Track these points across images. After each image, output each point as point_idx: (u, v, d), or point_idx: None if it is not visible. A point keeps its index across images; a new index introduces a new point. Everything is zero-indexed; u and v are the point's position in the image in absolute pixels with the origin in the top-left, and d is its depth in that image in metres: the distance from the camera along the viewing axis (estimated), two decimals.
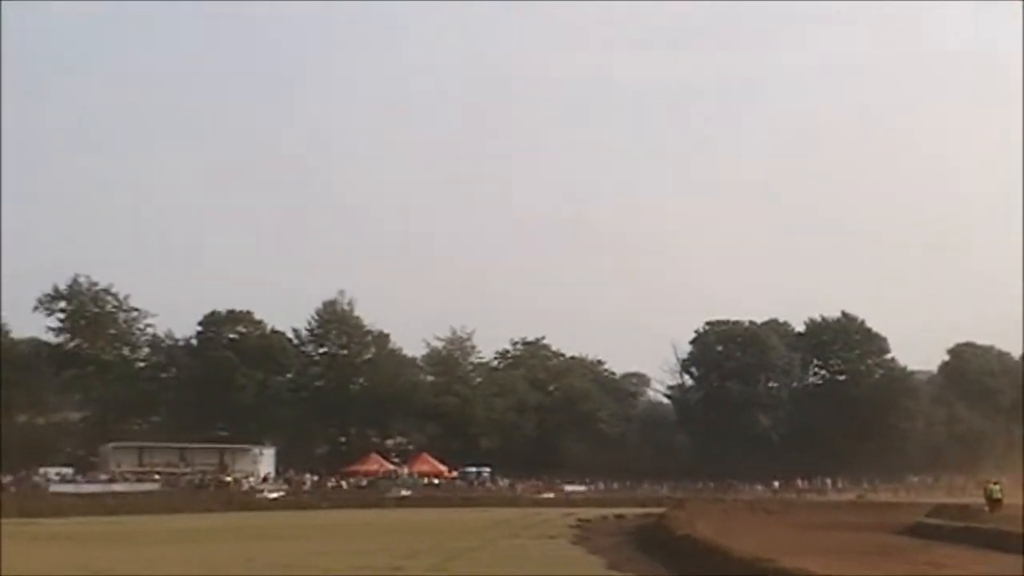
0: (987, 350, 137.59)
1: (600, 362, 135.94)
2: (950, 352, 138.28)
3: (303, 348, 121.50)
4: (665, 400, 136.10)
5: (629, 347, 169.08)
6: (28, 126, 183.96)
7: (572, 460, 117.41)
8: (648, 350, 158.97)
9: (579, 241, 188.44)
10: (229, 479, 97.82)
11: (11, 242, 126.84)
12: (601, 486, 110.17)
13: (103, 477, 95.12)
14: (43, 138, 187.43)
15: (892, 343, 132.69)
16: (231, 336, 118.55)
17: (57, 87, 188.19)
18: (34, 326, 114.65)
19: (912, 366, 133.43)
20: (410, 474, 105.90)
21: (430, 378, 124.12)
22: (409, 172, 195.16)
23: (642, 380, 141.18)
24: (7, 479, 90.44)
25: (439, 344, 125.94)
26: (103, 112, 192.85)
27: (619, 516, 66.84)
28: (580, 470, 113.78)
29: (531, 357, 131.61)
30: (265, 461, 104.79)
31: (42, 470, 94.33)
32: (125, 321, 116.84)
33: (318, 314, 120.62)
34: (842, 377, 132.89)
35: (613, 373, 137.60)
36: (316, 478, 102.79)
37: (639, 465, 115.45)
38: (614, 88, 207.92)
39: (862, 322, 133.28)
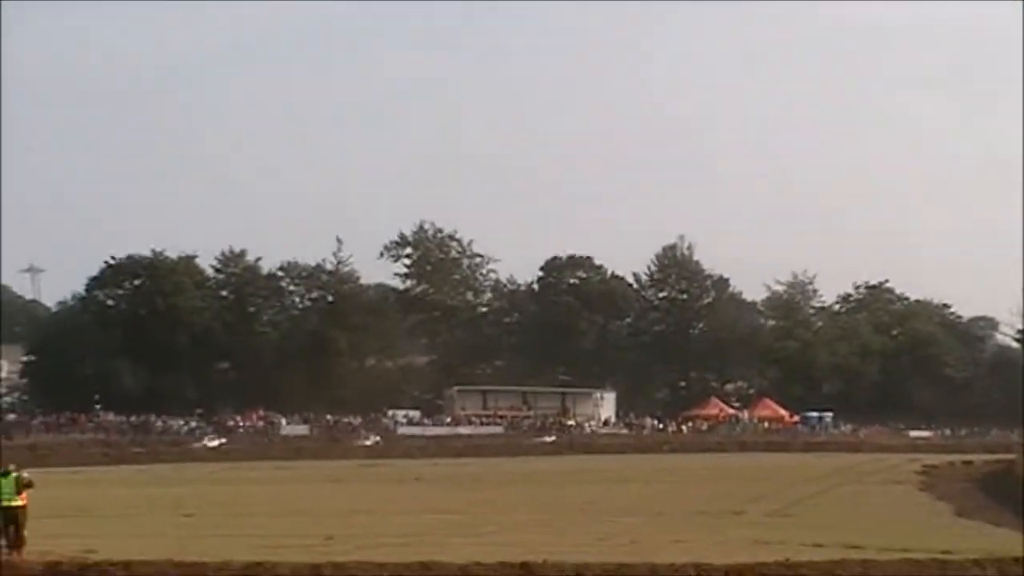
0: None
1: (946, 306, 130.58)
2: None
3: (643, 293, 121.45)
4: (1015, 344, 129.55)
5: (976, 291, 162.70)
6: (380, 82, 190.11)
7: (917, 405, 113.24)
8: (996, 294, 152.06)
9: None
10: (571, 423, 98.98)
11: (361, 191, 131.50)
12: (947, 432, 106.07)
13: (448, 420, 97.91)
14: (384, 92, 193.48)
15: None
16: (572, 281, 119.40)
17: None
18: (382, 272, 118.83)
19: None
20: (750, 419, 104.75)
21: (771, 322, 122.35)
22: (766, 113, 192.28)
23: (990, 324, 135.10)
24: (357, 420, 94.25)
25: (780, 288, 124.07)
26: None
27: (966, 463, 63.98)
28: (925, 415, 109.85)
29: (874, 301, 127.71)
30: (606, 405, 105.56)
31: (391, 412, 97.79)
32: (469, 267, 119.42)
33: (657, 259, 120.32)
34: None
35: (959, 317, 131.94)
36: (656, 422, 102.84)
37: (987, 410, 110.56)
38: None
39: None
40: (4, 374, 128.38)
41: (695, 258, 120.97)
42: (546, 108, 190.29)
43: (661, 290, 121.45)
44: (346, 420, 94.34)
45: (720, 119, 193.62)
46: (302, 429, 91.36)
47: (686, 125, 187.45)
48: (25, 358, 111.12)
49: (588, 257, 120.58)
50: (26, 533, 25.19)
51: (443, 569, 22.38)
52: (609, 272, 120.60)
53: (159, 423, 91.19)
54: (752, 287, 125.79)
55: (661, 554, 24.39)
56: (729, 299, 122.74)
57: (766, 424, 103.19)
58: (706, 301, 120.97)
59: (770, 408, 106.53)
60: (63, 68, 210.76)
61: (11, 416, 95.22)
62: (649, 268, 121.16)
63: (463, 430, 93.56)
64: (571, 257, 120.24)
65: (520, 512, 37.57)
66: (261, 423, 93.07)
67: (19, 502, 25.38)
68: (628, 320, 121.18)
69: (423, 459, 72.27)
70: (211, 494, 46.92)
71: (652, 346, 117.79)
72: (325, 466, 66.02)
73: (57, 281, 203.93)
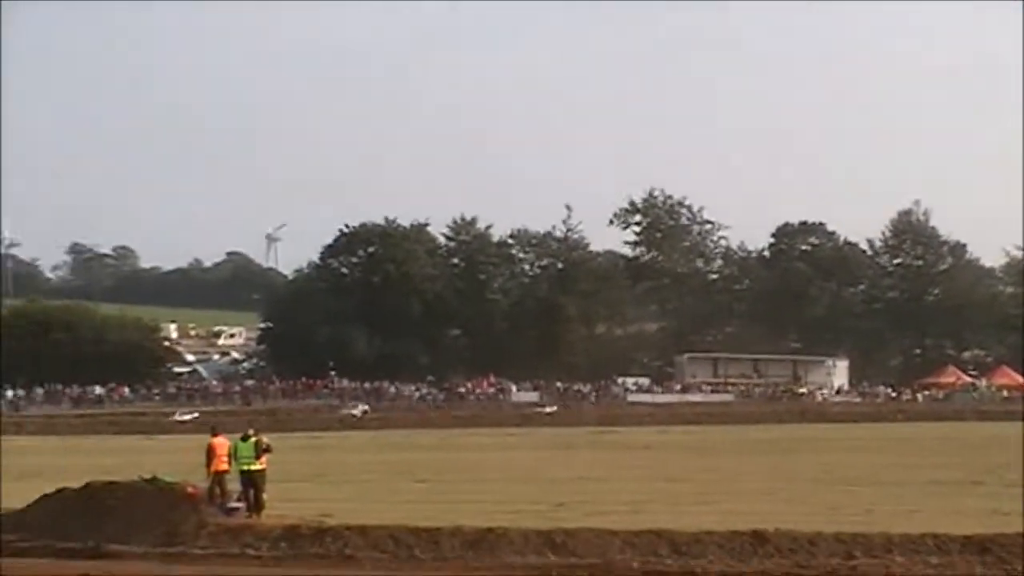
0: None
1: None
2: None
3: (877, 259, 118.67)
4: None
5: None
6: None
7: None
8: None
9: None
10: (802, 391, 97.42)
11: (590, 159, 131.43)
12: None
13: (678, 387, 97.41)
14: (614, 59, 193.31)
15: None
16: (804, 248, 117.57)
17: None
18: (611, 239, 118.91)
19: None
20: (988, 386, 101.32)
21: (1009, 289, 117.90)
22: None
23: None
24: (587, 388, 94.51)
25: (1019, 254, 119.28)
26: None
27: None
28: None
29: None
30: (838, 373, 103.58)
31: (620, 380, 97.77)
32: (699, 233, 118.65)
33: (892, 225, 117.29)
34: None
35: None
36: (890, 390, 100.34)
37: None
38: None
39: None
40: (242, 340, 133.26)
41: (931, 223, 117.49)
42: (778, 76, 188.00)
43: (896, 256, 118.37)
44: (576, 387, 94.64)
45: (955, 82, 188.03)
46: (532, 396, 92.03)
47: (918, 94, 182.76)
48: (262, 325, 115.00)
49: (821, 223, 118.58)
50: (265, 497, 25.89)
51: (674, 537, 22.24)
52: (842, 238, 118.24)
53: (392, 389, 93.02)
54: (991, 253, 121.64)
55: (896, 524, 23.79)
56: (966, 265, 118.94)
57: (1004, 392, 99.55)
58: (942, 267, 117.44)
59: (1008, 376, 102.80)
60: (330, 51, 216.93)
61: (249, 382, 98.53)
62: (884, 234, 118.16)
63: (693, 397, 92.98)
64: (803, 223, 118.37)
65: (750, 480, 37.09)
66: (492, 389, 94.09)
67: (259, 466, 26.09)
68: (861, 287, 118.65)
69: (652, 426, 72.02)
70: (443, 460, 47.61)
71: (886, 313, 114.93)
72: (555, 433, 66.35)
73: (293, 249, 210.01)
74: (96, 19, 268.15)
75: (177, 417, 75.91)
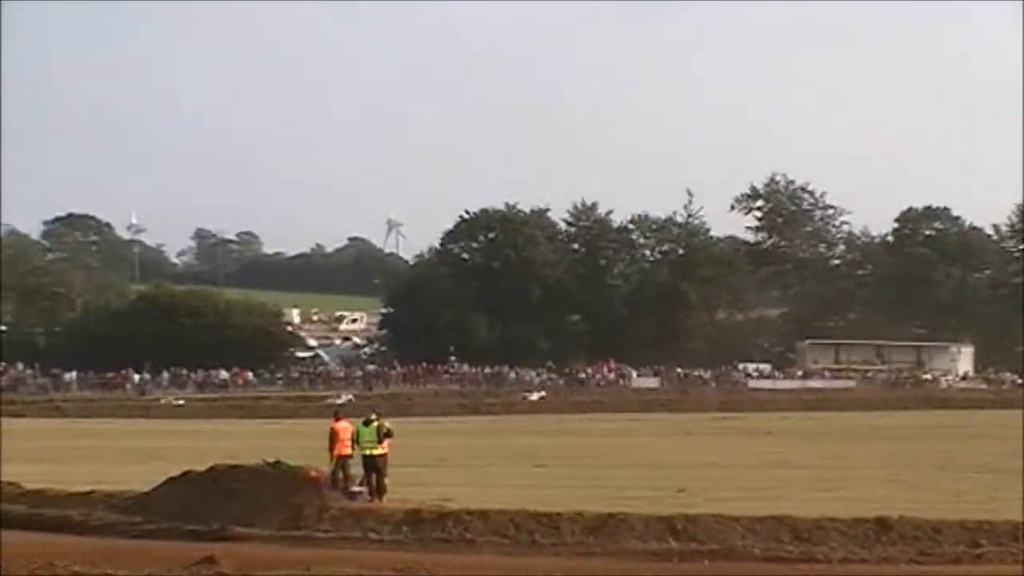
0: None
1: None
2: None
3: (1002, 244, 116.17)
4: None
5: None
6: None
7: None
8: None
9: None
10: (926, 377, 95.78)
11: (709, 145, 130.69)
12: None
13: (799, 373, 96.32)
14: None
15: None
16: (928, 233, 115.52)
17: None
18: (732, 225, 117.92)
19: None
20: None
21: None
22: None
23: None
24: (707, 374, 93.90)
25: None
26: None
27: None
28: None
29: None
30: (963, 359, 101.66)
31: (741, 366, 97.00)
32: (821, 219, 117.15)
33: (1019, 209, 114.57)
34: None
35: None
36: (1016, 377, 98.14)
37: None
38: None
39: None
40: (364, 325, 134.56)
41: None
42: (893, 58, 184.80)
43: (1022, 241, 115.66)
44: (696, 373, 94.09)
45: None
46: (652, 381, 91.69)
47: None
48: (384, 310, 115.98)
49: (945, 208, 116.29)
50: (387, 481, 26.11)
51: (796, 523, 22.05)
52: (967, 223, 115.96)
53: (512, 374, 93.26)
54: None
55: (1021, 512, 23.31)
56: None
57: None
58: None
59: None
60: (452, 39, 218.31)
61: (371, 367, 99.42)
62: (1010, 219, 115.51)
63: (814, 383, 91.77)
64: (927, 208, 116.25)
65: (873, 467, 36.64)
66: (612, 375, 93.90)
67: (381, 450, 26.29)
68: (987, 272, 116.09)
69: (773, 412, 71.36)
70: (563, 445, 47.67)
71: (1012, 298, 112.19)
72: (675, 419, 66.09)
73: (415, 235, 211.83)
74: (225, 18, 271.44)
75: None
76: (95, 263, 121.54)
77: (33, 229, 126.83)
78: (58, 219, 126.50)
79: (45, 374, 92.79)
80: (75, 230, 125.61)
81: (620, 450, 43.84)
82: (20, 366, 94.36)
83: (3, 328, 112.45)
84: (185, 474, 25.69)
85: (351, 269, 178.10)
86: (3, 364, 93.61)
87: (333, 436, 26.50)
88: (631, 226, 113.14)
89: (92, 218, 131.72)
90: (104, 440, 49.61)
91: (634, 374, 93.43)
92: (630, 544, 21.91)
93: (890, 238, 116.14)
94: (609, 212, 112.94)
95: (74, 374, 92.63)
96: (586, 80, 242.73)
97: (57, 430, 57.62)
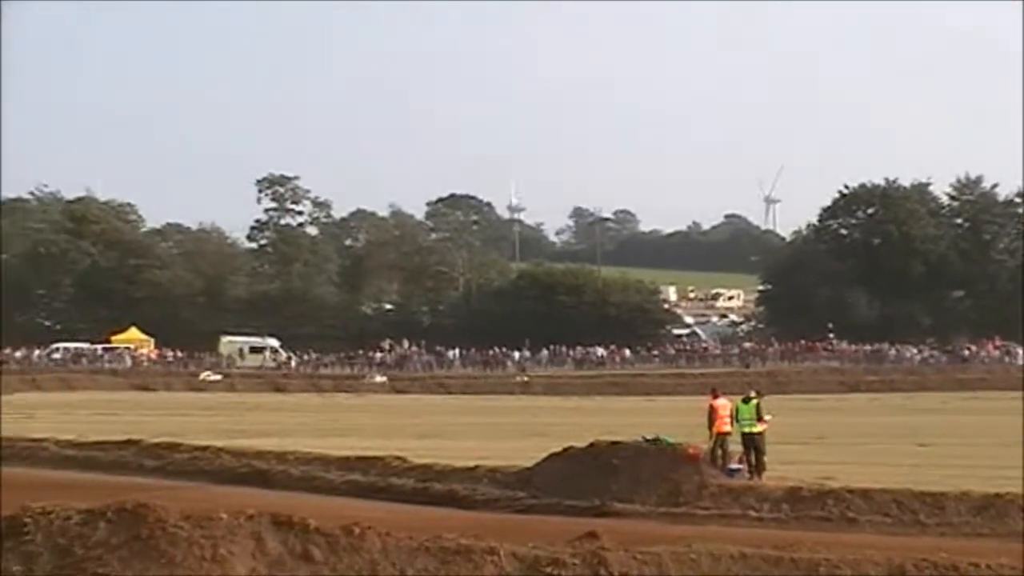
0: None
1: None
2: None
3: None
4: None
5: None
6: None
7: None
8: None
9: None
10: None
11: None
12: None
13: None
14: None
15: None
16: None
17: None
18: None
19: None
20: None
21: None
22: None
23: None
24: None
25: None
26: None
27: None
28: None
29: None
30: None
31: None
32: None
33: None
34: None
35: None
36: None
37: None
38: None
39: None
40: (740, 303, 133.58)
41: None
42: None
43: None
44: None
45: None
46: None
47: None
48: (761, 287, 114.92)
49: None
50: (766, 459, 25.84)
51: None
52: None
53: (892, 351, 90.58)
54: None
55: None
56: None
57: None
58: None
59: None
60: None
61: (748, 344, 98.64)
62: None
63: None
64: None
65: None
66: (997, 352, 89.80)
67: (759, 428, 26.06)
68: None
69: None
70: (946, 423, 45.90)
71: None
72: None
73: (791, 211, 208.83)
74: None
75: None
76: (477, 242, 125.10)
77: (417, 210, 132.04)
78: (441, 200, 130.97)
79: (430, 351, 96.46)
80: (457, 210, 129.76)
81: (1005, 429, 41.67)
82: (406, 343, 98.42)
83: (390, 307, 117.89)
84: (566, 450, 26.05)
85: (727, 246, 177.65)
86: (390, 341, 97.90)
87: (712, 413, 26.48)
88: (1018, 200, 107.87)
89: (473, 198, 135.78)
90: (486, 416, 51.04)
91: (1020, 352, 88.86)
92: (1019, 525, 20.87)
93: None
94: (994, 186, 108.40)
95: (457, 351, 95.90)
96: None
97: (441, 406, 59.72)
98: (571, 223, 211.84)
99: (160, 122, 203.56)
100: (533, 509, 23.49)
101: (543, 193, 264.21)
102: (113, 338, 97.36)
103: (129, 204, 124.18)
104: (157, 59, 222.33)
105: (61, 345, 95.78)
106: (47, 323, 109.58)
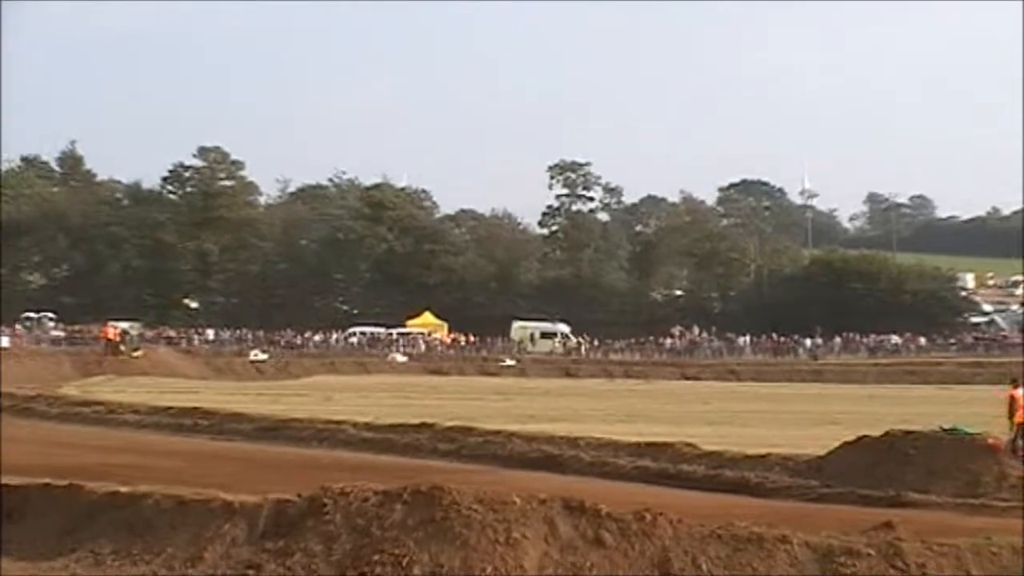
0: None
1: None
2: None
3: None
4: None
5: None
6: None
7: None
8: None
9: None
10: None
11: None
12: None
13: None
14: None
15: None
16: None
17: None
18: None
19: None
20: None
21: None
22: None
23: None
24: None
25: None
26: None
27: None
28: None
29: None
30: None
31: None
32: None
33: None
34: None
35: None
36: None
37: None
38: None
39: None
40: None
41: None
42: None
43: None
44: None
45: None
46: None
47: None
48: None
49: None
50: None
51: None
52: None
53: None
54: None
55: None
56: None
57: None
58: None
59: None
60: None
61: None
62: None
63: None
64: None
65: None
66: None
67: None
68: None
69: None
70: None
71: None
72: None
73: None
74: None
75: None
76: (768, 229, 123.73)
77: (708, 195, 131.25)
78: (732, 185, 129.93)
79: (720, 338, 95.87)
80: (749, 196, 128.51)
81: None
82: (696, 330, 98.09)
83: (680, 293, 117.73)
84: (860, 439, 25.48)
85: None
86: (680, 328, 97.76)
87: (1012, 403, 25.52)
88: None
89: (766, 184, 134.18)
90: (777, 404, 50.31)
91: None
92: None
93: None
94: None
95: (747, 338, 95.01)
96: None
97: (731, 393, 59.17)
98: (865, 209, 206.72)
99: (453, 108, 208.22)
100: (825, 498, 23.04)
101: (837, 178, 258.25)
102: (408, 322, 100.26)
103: (424, 190, 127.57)
104: (452, 47, 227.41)
105: (358, 329, 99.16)
106: (344, 307, 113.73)
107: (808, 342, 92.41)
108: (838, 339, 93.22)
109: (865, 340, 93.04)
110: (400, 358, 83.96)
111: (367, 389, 57.07)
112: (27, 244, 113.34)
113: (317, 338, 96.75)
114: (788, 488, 24.06)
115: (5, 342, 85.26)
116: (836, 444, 25.79)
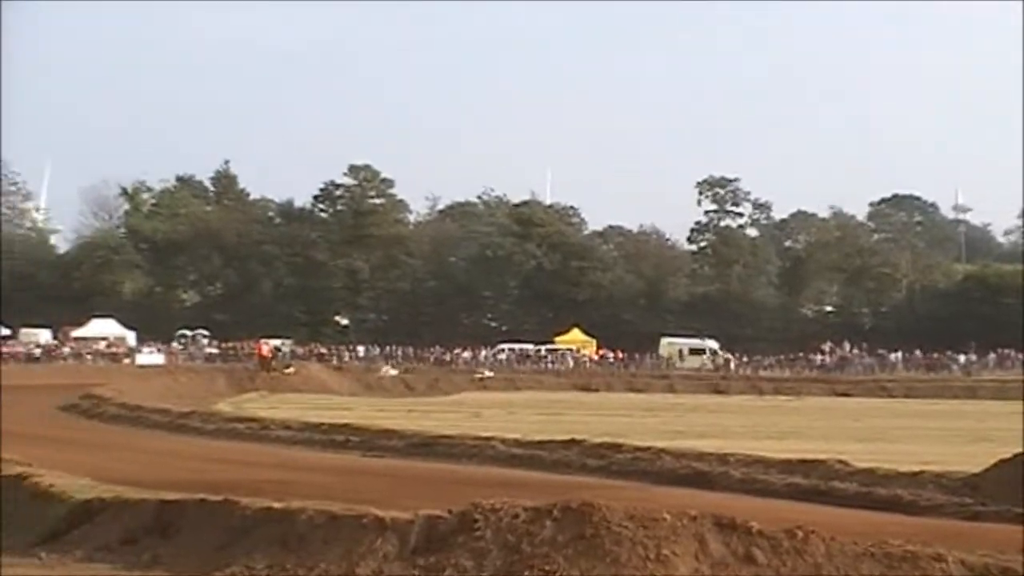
0: None
1: None
2: None
3: None
4: None
5: None
6: None
7: None
8: None
9: None
10: None
11: None
12: None
13: None
14: None
15: None
16: None
17: None
18: None
19: None
20: None
21: None
22: None
23: None
24: None
25: None
26: None
27: None
28: None
29: None
30: None
31: None
32: None
33: None
34: None
35: None
36: None
37: None
38: None
39: None
40: None
41: None
42: None
43: None
44: None
45: None
46: None
47: None
48: None
49: None
50: None
51: None
52: None
53: None
54: None
55: None
56: None
57: None
58: None
59: None
60: None
61: None
62: None
63: None
64: None
65: None
66: None
67: None
68: None
69: None
70: None
71: None
72: None
73: None
74: None
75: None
76: (920, 244, 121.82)
77: (859, 211, 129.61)
78: (884, 200, 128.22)
79: (871, 354, 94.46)
80: (901, 211, 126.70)
81: None
82: (847, 346, 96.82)
83: (831, 309, 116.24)
84: (1016, 456, 24.87)
85: None
86: (830, 344, 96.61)
87: None
88: None
89: (918, 199, 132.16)
90: (929, 420, 49.37)
91: None
92: None
93: None
94: None
95: (899, 354, 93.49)
96: None
97: (883, 409, 58.29)
98: (1020, 223, 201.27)
99: (597, 124, 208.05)
100: (981, 516, 22.51)
101: (990, 192, 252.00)
102: (557, 339, 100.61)
103: (572, 207, 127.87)
104: (597, 65, 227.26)
105: (506, 345, 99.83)
106: (493, 324, 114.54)
107: (962, 358, 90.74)
108: (992, 355, 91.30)
109: (1020, 356, 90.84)
110: (487, 372, 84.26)
111: (516, 405, 57.34)
112: (182, 263, 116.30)
113: (466, 355, 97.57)
114: (942, 506, 23.57)
115: (160, 359, 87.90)
116: (991, 461, 25.23)
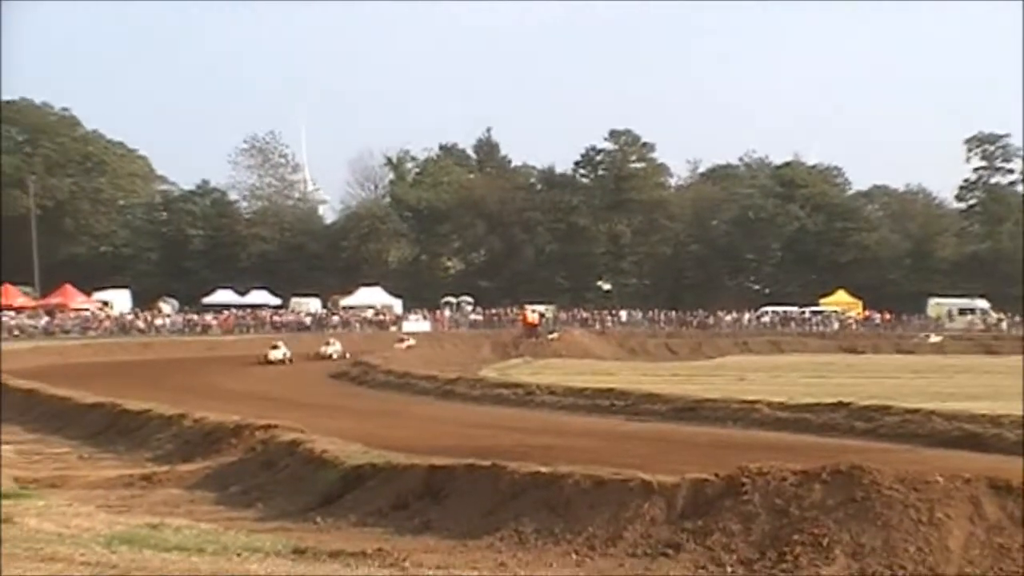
0: None
1: None
2: None
3: None
4: None
5: None
6: None
7: None
8: None
9: None
10: None
11: None
12: None
13: None
14: None
15: None
16: None
17: None
18: None
19: None
20: None
21: None
22: None
23: None
24: None
25: None
26: None
27: None
28: None
29: None
30: None
31: None
32: None
33: None
34: None
35: None
36: None
37: None
38: None
39: None
40: None
41: None
42: None
43: None
44: None
45: None
46: None
47: None
48: None
49: None
50: None
51: None
52: None
53: None
54: None
55: None
56: None
57: None
58: None
59: None
60: None
61: None
62: None
63: None
64: None
65: None
66: None
67: None
68: None
69: None
70: None
71: None
72: None
73: None
74: None
75: None
76: None
77: None
78: None
79: None
80: None
81: None
82: None
83: None
84: None
85: None
86: None
87: None
88: None
89: None
90: None
91: None
92: None
93: None
94: None
95: None
96: None
97: None
98: None
99: (869, 85, 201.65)
100: None
101: None
102: (821, 301, 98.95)
103: (836, 167, 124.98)
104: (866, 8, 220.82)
105: (770, 308, 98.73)
106: (756, 287, 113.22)
107: None
108: None
109: None
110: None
111: (780, 368, 56.71)
112: (446, 231, 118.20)
113: (729, 318, 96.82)
114: None
115: (427, 326, 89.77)
116: None
